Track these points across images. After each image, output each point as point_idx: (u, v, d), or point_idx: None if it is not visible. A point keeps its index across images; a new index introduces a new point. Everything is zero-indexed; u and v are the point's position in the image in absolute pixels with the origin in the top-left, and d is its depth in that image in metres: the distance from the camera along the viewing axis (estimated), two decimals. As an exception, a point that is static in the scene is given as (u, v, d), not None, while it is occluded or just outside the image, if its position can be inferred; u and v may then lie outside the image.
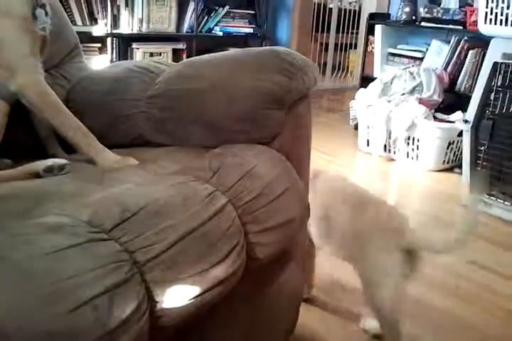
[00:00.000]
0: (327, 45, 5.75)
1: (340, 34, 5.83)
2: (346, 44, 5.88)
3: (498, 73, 2.22)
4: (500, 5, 2.20)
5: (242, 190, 0.97)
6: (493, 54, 2.27)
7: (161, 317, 0.71)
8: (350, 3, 7.23)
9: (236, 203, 0.94)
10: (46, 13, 1.11)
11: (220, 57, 1.25)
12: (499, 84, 2.22)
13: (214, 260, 0.80)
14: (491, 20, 2.26)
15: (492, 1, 2.23)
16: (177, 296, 0.73)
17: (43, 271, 0.62)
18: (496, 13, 2.22)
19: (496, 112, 2.23)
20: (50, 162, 1.01)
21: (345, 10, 5.99)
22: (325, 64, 5.78)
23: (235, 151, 1.07)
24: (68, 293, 0.60)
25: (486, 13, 2.27)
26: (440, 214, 2.31)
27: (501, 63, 2.21)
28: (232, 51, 1.27)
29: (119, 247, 0.71)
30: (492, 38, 2.32)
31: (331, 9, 5.81)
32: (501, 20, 2.21)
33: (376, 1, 4.20)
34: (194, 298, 0.76)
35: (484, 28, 2.31)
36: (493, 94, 2.23)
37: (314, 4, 5.75)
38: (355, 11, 6.07)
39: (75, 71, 1.47)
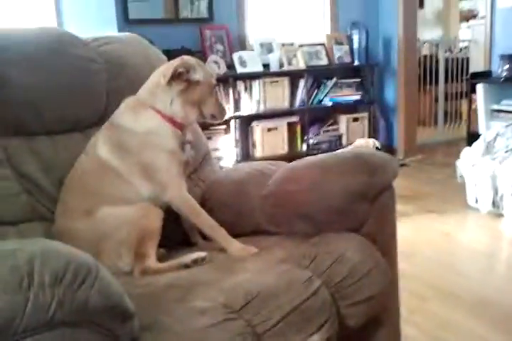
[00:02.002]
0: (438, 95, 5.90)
1: (450, 83, 5.95)
2: (457, 93, 5.98)
3: None
4: None
5: (334, 273, 1.30)
6: None
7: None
8: (460, 51, 7.36)
9: (329, 284, 1.27)
10: (191, 147, 1.56)
11: (316, 160, 1.61)
12: None
13: (311, 330, 1.13)
14: None
15: None
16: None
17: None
18: None
19: None
20: (195, 255, 1.41)
21: (452, 59, 6.13)
22: (436, 115, 5.92)
23: (328, 240, 1.41)
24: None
25: None
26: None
27: None
28: (325, 155, 1.62)
29: (244, 323, 1.06)
30: None
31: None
32: None
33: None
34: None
35: None
36: None
37: (424, 56, 5.99)
38: (463, 59, 6.18)
39: (208, 173, 1.89)
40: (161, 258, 1.46)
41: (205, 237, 1.60)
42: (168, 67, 1.52)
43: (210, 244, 1.56)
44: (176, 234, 1.67)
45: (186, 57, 1.55)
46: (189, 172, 1.79)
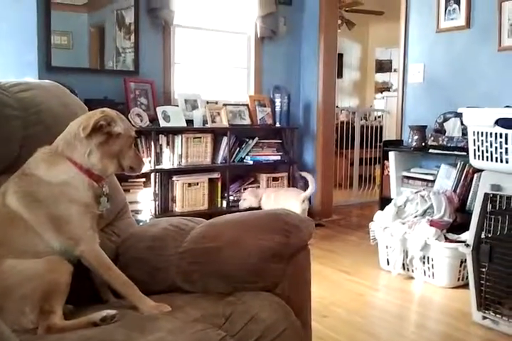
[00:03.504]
0: (353, 159, 6.18)
1: (365, 149, 6.27)
2: (372, 158, 6.29)
3: (488, 202, 2.51)
4: (485, 144, 2.54)
5: (247, 333, 1.28)
6: (484, 185, 2.57)
7: None
8: (374, 119, 7.82)
9: (242, 344, 1.24)
10: (107, 200, 1.52)
11: (233, 219, 1.62)
12: (490, 211, 2.50)
13: None
14: (478, 156, 2.58)
15: (478, 140, 2.57)
16: None
17: None
18: (482, 151, 2.55)
19: (491, 236, 2.49)
20: (104, 313, 1.34)
21: (367, 126, 6.48)
22: (352, 178, 6.17)
23: (243, 299, 1.40)
24: None
25: (474, 150, 2.60)
26: (452, 332, 2.49)
27: (490, 194, 2.50)
28: (243, 214, 1.64)
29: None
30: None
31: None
32: (487, 156, 2.52)
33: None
34: None
35: (474, 163, 2.64)
36: (486, 220, 2.51)
37: (341, 122, 6.31)
38: (377, 127, 6.56)
39: (124, 227, 1.85)
40: (68, 315, 1.38)
41: (116, 294, 1.54)
42: (88, 118, 1.49)
43: (122, 301, 1.50)
44: (85, 290, 1.59)
45: (107, 110, 1.53)
46: (103, 226, 1.74)
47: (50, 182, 1.44)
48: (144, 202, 3.88)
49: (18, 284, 1.33)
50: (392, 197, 3.87)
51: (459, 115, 3.55)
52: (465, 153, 3.42)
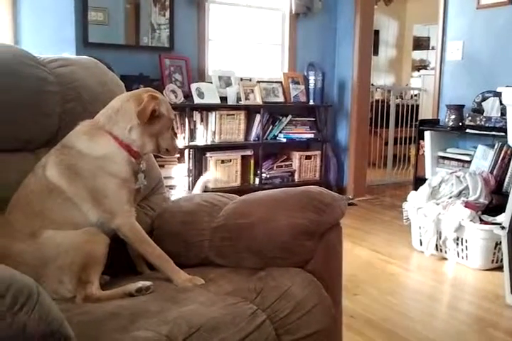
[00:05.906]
0: (388, 139, 6.09)
1: (401, 128, 6.16)
2: (407, 137, 6.18)
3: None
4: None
5: (279, 308, 1.29)
6: (523, 166, 2.52)
7: None
8: (411, 98, 7.67)
9: (273, 319, 1.26)
10: (144, 177, 1.55)
11: (266, 196, 1.62)
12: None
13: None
14: (518, 136, 2.52)
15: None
16: None
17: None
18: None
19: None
20: (139, 284, 1.38)
21: (403, 105, 6.36)
22: (386, 157, 6.09)
23: (274, 275, 1.41)
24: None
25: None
26: (484, 314, 2.47)
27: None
28: (276, 191, 1.64)
29: (186, 356, 1.04)
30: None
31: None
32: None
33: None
34: None
35: (513, 142, 2.58)
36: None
37: (376, 101, 6.20)
38: (413, 105, 6.43)
39: (159, 201, 1.88)
40: (104, 286, 1.43)
41: (151, 267, 1.58)
42: (136, 98, 1.51)
43: (156, 273, 1.53)
44: (121, 262, 1.63)
45: (152, 91, 1.56)
46: (139, 200, 1.77)
47: (91, 155, 1.47)
48: (177, 177, 3.93)
49: (57, 255, 1.37)
50: (426, 177, 3.82)
51: (498, 94, 3.46)
52: (503, 134, 3.35)
